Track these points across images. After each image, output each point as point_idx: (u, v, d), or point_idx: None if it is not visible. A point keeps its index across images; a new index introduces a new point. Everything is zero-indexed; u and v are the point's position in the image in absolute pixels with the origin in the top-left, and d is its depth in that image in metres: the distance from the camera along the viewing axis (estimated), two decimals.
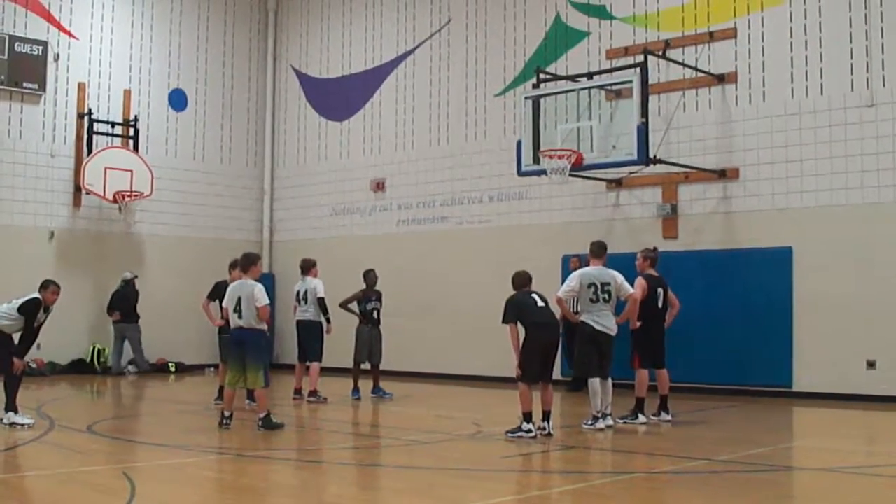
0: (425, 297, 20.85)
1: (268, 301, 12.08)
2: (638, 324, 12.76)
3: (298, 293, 15.88)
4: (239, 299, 11.96)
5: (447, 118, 21.35)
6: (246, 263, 12.33)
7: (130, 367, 21.32)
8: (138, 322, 21.06)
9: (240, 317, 11.95)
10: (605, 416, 12.21)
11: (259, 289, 12.00)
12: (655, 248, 13.75)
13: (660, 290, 13.18)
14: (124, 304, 21.00)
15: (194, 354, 22.04)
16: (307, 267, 15.96)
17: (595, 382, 12.19)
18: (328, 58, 23.78)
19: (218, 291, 14.27)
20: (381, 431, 13.46)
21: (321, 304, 15.63)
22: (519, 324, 11.60)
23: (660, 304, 13.16)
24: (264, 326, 12.15)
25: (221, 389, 14.85)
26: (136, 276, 21.27)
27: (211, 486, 8.98)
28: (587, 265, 12.83)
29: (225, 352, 13.88)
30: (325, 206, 23.43)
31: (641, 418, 12.87)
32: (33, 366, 19.39)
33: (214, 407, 14.47)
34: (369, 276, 16.51)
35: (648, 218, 18.12)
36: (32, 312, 12.00)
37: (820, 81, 16.61)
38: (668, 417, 13.07)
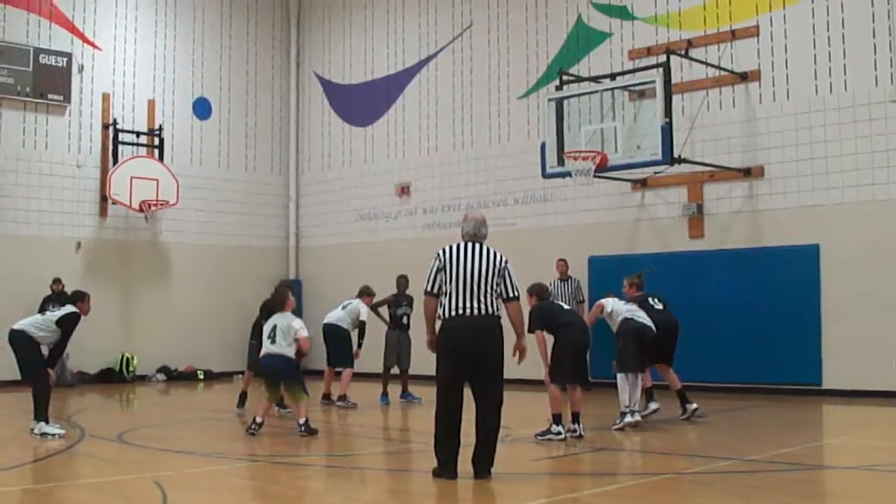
0: None
1: (308, 334, 12.31)
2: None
3: (342, 302, 16.17)
4: (274, 327, 12.20)
5: (470, 122, 21.36)
6: (279, 299, 12.71)
7: (159, 375, 21.51)
8: None
9: (273, 342, 12.14)
10: (633, 412, 12.30)
11: (299, 321, 12.35)
12: (640, 274, 13.99)
13: (650, 300, 13.41)
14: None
15: (222, 362, 22.08)
16: (363, 293, 16.16)
17: (623, 378, 12.35)
18: (351, 63, 23.84)
19: (263, 312, 14.12)
20: (411, 436, 13.45)
21: (361, 326, 15.76)
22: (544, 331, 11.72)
23: (659, 307, 13.36)
24: (293, 355, 12.27)
25: (242, 396, 14.97)
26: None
27: (242, 493, 9.02)
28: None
29: (253, 363, 13.97)
30: (351, 212, 23.48)
31: (653, 405, 13.06)
32: (68, 377, 19.51)
33: (237, 413, 14.55)
34: (400, 282, 16.58)
35: (674, 217, 18.08)
36: (71, 326, 12.08)
37: (843, 77, 16.53)
38: (695, 405, 13.13)
